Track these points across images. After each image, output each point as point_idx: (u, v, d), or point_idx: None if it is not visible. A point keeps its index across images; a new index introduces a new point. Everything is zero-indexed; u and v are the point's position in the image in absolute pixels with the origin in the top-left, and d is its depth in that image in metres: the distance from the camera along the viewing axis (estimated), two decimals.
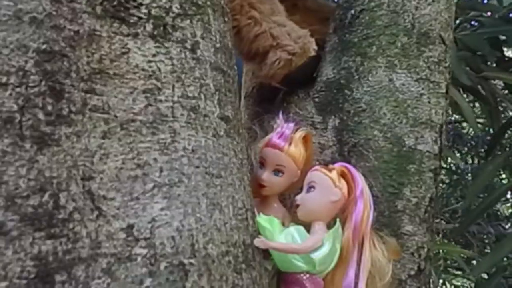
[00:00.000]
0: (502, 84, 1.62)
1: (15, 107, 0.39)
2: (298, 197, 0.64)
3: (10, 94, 0.39)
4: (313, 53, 0.86)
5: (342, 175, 0.64)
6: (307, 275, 0.59)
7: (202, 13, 0.57)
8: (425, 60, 0.76)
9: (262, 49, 0.85)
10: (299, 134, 0.68)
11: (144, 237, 0.41)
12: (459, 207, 1.70)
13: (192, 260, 0.42)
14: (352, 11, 0.84)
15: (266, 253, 0.58)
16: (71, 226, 0.39)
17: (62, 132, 0.40)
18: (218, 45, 0.57)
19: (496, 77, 1.38)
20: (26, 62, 0.40)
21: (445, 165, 2.48)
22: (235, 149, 0.53)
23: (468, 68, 1.47)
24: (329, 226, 0.62)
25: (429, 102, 0.75)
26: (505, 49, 1.53)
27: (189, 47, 0.53)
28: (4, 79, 0.39)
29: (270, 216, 0.61)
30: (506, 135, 1.56)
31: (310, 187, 0.63)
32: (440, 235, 1.70)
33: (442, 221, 2.30)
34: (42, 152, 0.39)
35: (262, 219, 0.59)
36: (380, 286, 0.63)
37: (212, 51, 0.56)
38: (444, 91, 0.76)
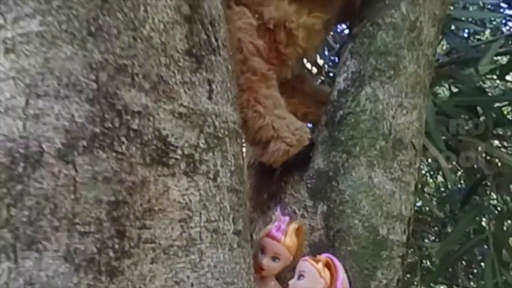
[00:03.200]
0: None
1: (95, 250, 0.55)
2: (291, 282, 0.80)
3: (92, 241, 0.55)
4: (307, 143, 1.03)
5: (327, 265, 0.80)
6: None
7: (221, 144, 0.73)
8: (398, 163, 0.93)
9: (265, 139, 1.02)
10: (293, 226, 0.84)
11: None
12: (437, 246, 1.87)
13: None
14: (341, 112, 1.01)
15: None
16: None
17: (125, 264, 0.56)
18: (233, 168, 0.74)
19: (469, 141, 1.55)
20: (100, 212, 0.56)
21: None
22: (244, 256, 0.70)
23: (445, 130, 1.64)
24: None
25: (400, 198, 0.92)
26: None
27: (212, 177, 0.69)
28: (86, 228, 0.55)
29: None
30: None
31: (300, 275, 0.79)
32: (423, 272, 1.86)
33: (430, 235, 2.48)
34: (112, 281, 0.55)
35: None
36: None
37: (229, 176, 0.72)
38: (413, 189, 0.93)
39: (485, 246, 1.60)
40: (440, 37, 1.37)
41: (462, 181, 2.08)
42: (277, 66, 1.09)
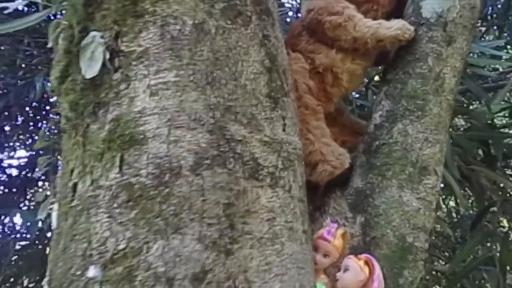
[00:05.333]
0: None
1: (217, 236, 0.79)
2: (338, 274, 1.03)
3: (215, 229, 0.79)
4: (348, 166, 1.27)
5: (366, 263, 1.03)
6: None
7: (293, 165, 0.97)
8: (423, 186, 1.17)
9: (314, 162, 1.26)
10: (339, 232, 1.08)
11: None
12: (446, 269, 2.07)
13: None
14: (377, 142, 1.25)
15: None
16: None
17: (234, 247, 0.80)
18: (300, 184, 0.98)
19: (480, 171, 1.78)
20: (219, 210, 0.81)
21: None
22: (309, 250, 0.94)
23: (459, 159, 1.87)
24: None
25: (424, 214, 1.15)
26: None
27: (287, 189, 0.93)
28: (211, 221, 0.79)
29: (320, 283, 1.01)
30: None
31: (346, 269, 1.03)
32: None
33: (441, 260, 2.67)
34: (227, 258, 0.79)
35: (318, 284, 0.99)
36: None
37: (298, 189, 0.97)
38: (434, 207, 1.17)
39: (492, 266, 1.80)
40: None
41: (473, 208, 2.29)
42: (324, 102, 1.34)
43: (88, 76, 0.94)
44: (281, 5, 2.75)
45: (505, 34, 2.75)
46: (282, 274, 0.84)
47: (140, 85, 0.89)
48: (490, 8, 3.20)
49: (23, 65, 4.03)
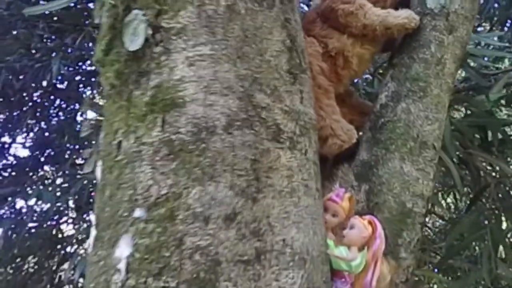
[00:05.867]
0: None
1: (245, 185, 0.93)
2: (345, 231, 1.17)
3: (244, 179, 0.93)
4: (355, 141, 1.41)
5: (370, 223, 1.17)
6: (347, 273, 1.12)
7: (308, 133, 1.11)
8: (422, 158, 1.31)
9: (325, 136, 1.40)
10: (347, 195, 1.22)
11: (290, 245, 0.94)
12: (444, 245, 2.22)
13: (307, 256, 0.96)
14: (382, 120, 1.38)
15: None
16: None
17: (259, 196, 0.94)
18: (315, 149, 1.12)
19: (477, 154, 1.91)
20: (247, 164, 0.95)
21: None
22: (321, 205, 1.08)
23: (458, 144, 2.00)
24: (360, 249, 1.15)
25: (422, 183, 1.29)
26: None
27: (304, 152, 1.07)
28: (241, 172, 0.93)
29: (328, 239, 1.15)
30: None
31: (352, 227, 1.16)
32: (430, 266, 2.22)
33: (437, 255, 2.82)
34: (254, 204, 0.93)
35: (328, 240, 1.12)
36: (383, 285, 1.16)
37: (313, 153, 1.10)
38: (432, 177, 1.30)
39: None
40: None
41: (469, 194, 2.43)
42: (335, 83, 1.48)
43: (131, 49, 1.07)
44: None
45: (506, 29, 2.87)
46: (298, 222, 0.98)
47: (179, 56, 1.02)
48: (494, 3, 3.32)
49: (39, 49, 4.17)
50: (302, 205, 1.01)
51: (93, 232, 1.03)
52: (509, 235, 2.02)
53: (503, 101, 2.11)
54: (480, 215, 2.00)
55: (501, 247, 1.90)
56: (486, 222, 1.94)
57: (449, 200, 3.31)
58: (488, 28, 3.66)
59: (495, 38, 1.88)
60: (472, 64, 1.93)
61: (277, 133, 1.03)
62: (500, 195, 1.94)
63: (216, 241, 0.88)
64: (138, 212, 0.94)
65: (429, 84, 1.36)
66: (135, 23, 1.09)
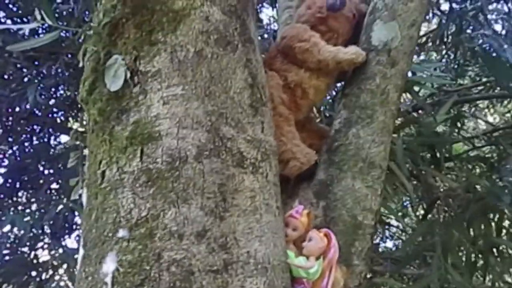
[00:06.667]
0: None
1: (213, 205, 1.09)
2: (304, 244, 1.34)
3: (212, 201, 1.09)
4: (313, 163, 1.59)
5: (326, 235, 1.34)
6: (306, 279, 1.29)
7: (269, 158, 1.28)
8: (371, 176, 1.49)
9: (286, 159, 1.57)
10: (305, 211, 1.39)
11: (254, 256, 1.10)
12: (401, 255, 2.41)
13: (268, 265, 1.12)
14: (336, 143, 1.57)
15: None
16: None
17: (226, 215, 1.10)
18: (275, 172, 1.29)
19: (426, 170, 2.12)
20: (215, 188, 1.11)
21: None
22: (281, 221, 1.24)
23: (411, 161, 2.21)
24: (317, 258, 1.32)
25: (371, 199, 1.47)
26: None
27: (265, 175, 1.24)
28: (209, 195, 1.10)
29: (289, 251, 1.32)
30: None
31: (310, 239, 1.33)
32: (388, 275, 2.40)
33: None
34: (221, 221, 1.09)
35: (288, 251, 1.29)
36: None
37: (273, 176, 1.27)
38: (379, 193, 1.49)
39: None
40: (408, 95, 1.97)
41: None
42: (295, 111, 1.66)
43: (112, 89, 1.23)
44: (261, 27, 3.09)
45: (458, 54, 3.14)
46: (260, 236, 1.15)
47: (155, 96, 1.19)
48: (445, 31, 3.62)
49: (14, 78, 4.26)
50: (264, 221, 1.18)
51: (81, 251, 1.17)
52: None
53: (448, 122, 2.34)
54: (431, 225, 2.21)
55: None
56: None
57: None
58: (444, 51, 3.97)
59: (433, 68, 2.11)
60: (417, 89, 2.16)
61: (241, 160, 1.20)
62: (448, 207, 2.15)
63: (189, 254, 1.04)
64: (121, 233, 1.08)
65: (375, 112, 1.56)
66: (116, 66, 1.25)
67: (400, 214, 2.84)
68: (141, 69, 1.22)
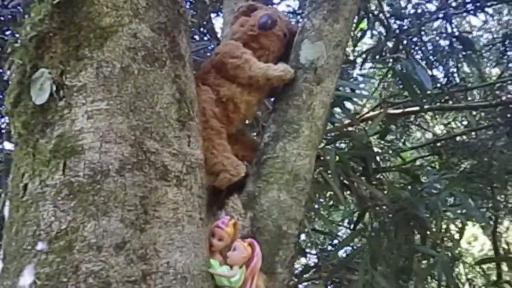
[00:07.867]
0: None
1: (134, 218, 1.13)
2: (228, 253, 1.39)
3: (132, 214, 1.13)
4: (243, 175, 1.65)
5: (250, 244, 1.40)
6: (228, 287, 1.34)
7: (194, 171, 1.33)
8: (296, 188, 1.57)
9: (217, 171, 1.63)
10: (232, 222, 1.45)
11: (174, 266, 1.14)
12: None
13: (188, 275, 1.16)
14: (265, 156, 1.64)
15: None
16: None
17: (147, 227, 1.14)
18: (200, 185, 1.34)
19: (356, 181, 2.24)
20: (136, 201, 1.15)
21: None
22: (204, 232, 1.30)
23: (343, 172, 2.33)
24: (241, 267, 1.38)
25: (295, 209, 1.55)
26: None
27: (189, 188, 1.29)
28: (130, 208, 1.13)
29: (215, 260, 1.37)
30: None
31: (234, 249, 1.39)
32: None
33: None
34: (141, 233, 1.12)
35: (212, 261, 1.34)
36: None
37: (198, 188, 1.32)
38: (303, 204, 1.57)
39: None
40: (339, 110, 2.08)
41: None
42: (227, 125, 1.72)
43: (38, 103, 1.25)
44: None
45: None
46: (182, 247, 1.19)
47: (80, 110, 1.21)
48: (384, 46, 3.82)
49: None
50: (186, 232, 1.22)
51: (0, 265, 1.16)
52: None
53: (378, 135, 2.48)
54: (361, 232, 2.33)
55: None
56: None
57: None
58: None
59: (362, 85, 2.25)
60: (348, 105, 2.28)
61: (165, 173, 1.24)
62: (375, 217, 2.28)
63: (107, 266, 1.07)
64: (40, 245, 1.10)
65: (301, 126, 1.64)
66: (42, 80, 1.27)
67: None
68: (67, 84, 1.24)
